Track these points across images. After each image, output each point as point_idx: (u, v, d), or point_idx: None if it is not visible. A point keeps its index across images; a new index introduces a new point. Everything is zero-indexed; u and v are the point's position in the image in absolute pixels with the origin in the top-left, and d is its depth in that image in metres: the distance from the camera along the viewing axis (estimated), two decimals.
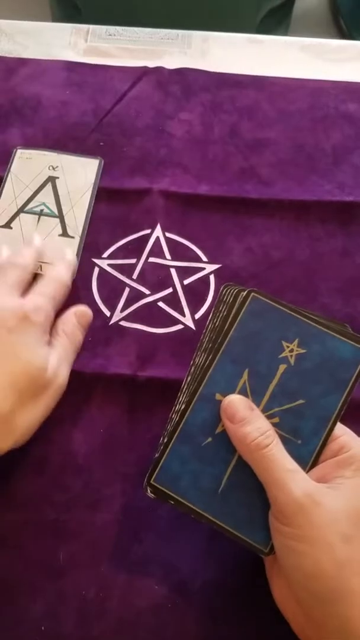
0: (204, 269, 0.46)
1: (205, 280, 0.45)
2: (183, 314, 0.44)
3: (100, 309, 0.44)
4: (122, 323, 0.43)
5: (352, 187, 0.49)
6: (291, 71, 0.56)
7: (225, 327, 0.33)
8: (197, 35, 0.59)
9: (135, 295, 0.44)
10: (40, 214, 0.47)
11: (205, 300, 0.44)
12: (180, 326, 0.43)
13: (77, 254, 0.45)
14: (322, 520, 0.28)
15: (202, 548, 0.36)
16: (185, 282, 0.45)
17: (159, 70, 0.55)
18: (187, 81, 0.55)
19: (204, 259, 0.46)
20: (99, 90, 0.54)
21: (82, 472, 0.38)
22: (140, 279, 0.45)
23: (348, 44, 0.59)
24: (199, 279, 0.45)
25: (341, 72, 0.56)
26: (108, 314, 0.44)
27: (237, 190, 0.49)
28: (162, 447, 0.33)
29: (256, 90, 0.54)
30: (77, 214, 0.47)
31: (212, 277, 0.45)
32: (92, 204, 0.48)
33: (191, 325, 0.44)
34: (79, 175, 0.49)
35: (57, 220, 0.47)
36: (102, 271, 0.46)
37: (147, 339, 0.43)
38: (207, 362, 0.33)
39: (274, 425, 0.32)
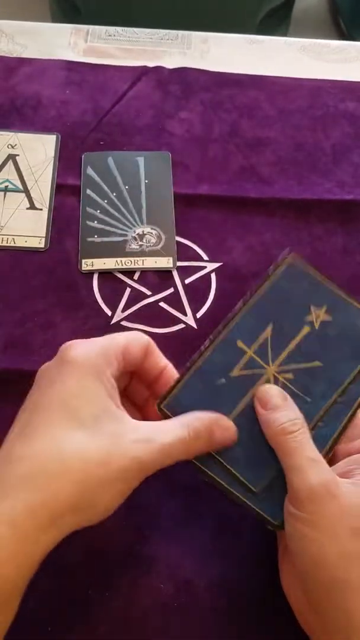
0: (205, 267, 0.46)
1: (206, 278, 0.45)
2: (185, 313, 0.44)
3: (102, 308, 0.44)
4: (124, 323, 0.43)
5: (351, 186, 0.50)
6: (291, 72, 0.56)
7: (258, 283, 0.35)
8: (197, 35, 0.59)
9: (137, 296, 0.44)
10: (6, 190, 0.48)
11: (207, 298, 0.44)
12: (182, 325, 0.43)
13: (48, 225, 0.47)
14: (333, 511, 0.28)
15: (208, 546, 0.36)
16: (187, 281, 0.45)
17: (158, 69, 0.55)
18: (187, 80, 0.55)
19: (205, 257, 0.46)
20: (98, 89, 0.54)
21: None
22: (142, 280, 0.45)
23: (347, 44, 0.59)
24: (200, 277, 0.45)
25: (341, 72, 0.56)
26: (109, 313, 0.44)
27: (238, 189, 0.49)
28: (178, 378, 0.33)
29: (256, 89, 0.54)
30: (42, 187, 0.49)
31: (213, 276, 0.45)
32: (55, 177, 0.49)
33: (193, 324, 0.44)
34: (39, 151, 0.50)
35: (23, 194, 0.48)
36: (103, 271, 0.46)
37: None
38: (236, 311, 0.35)
39: (287, 381, 0.33)
